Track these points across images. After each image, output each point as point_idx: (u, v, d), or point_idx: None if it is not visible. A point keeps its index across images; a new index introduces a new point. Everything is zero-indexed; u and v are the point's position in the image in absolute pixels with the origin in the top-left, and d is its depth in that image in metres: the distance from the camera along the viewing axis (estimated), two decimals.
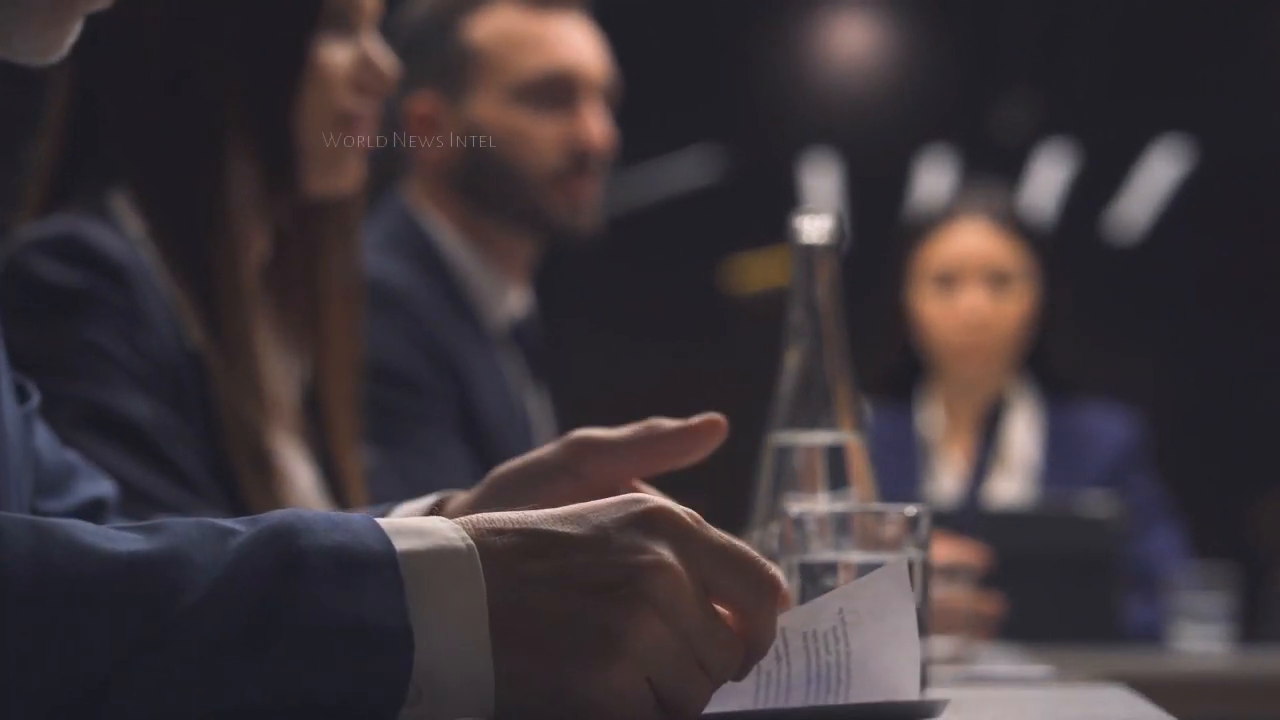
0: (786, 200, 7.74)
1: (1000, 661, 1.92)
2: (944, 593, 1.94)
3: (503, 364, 2.44)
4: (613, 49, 2.51)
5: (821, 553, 1.17)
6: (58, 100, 1.67)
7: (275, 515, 0.80)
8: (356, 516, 0.81)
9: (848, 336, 1.36)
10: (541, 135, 2.43)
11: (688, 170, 8.03)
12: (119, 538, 0.77)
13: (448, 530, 0.80)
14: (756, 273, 8.26)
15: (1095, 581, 2.80)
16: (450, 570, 0.79)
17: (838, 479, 1.34)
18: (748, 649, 0.83)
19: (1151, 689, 1.39)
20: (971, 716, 1.01)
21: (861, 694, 0.87)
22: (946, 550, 2.04)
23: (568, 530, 0.81)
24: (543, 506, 0.84)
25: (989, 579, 2.11)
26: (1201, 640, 2.82)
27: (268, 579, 0.76)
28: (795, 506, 1.20)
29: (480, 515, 0.82)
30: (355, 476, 1.74)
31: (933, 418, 3.26)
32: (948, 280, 3.21)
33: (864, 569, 1.16)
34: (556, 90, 2.44)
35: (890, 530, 1.18)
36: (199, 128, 1.63)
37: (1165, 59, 7.50)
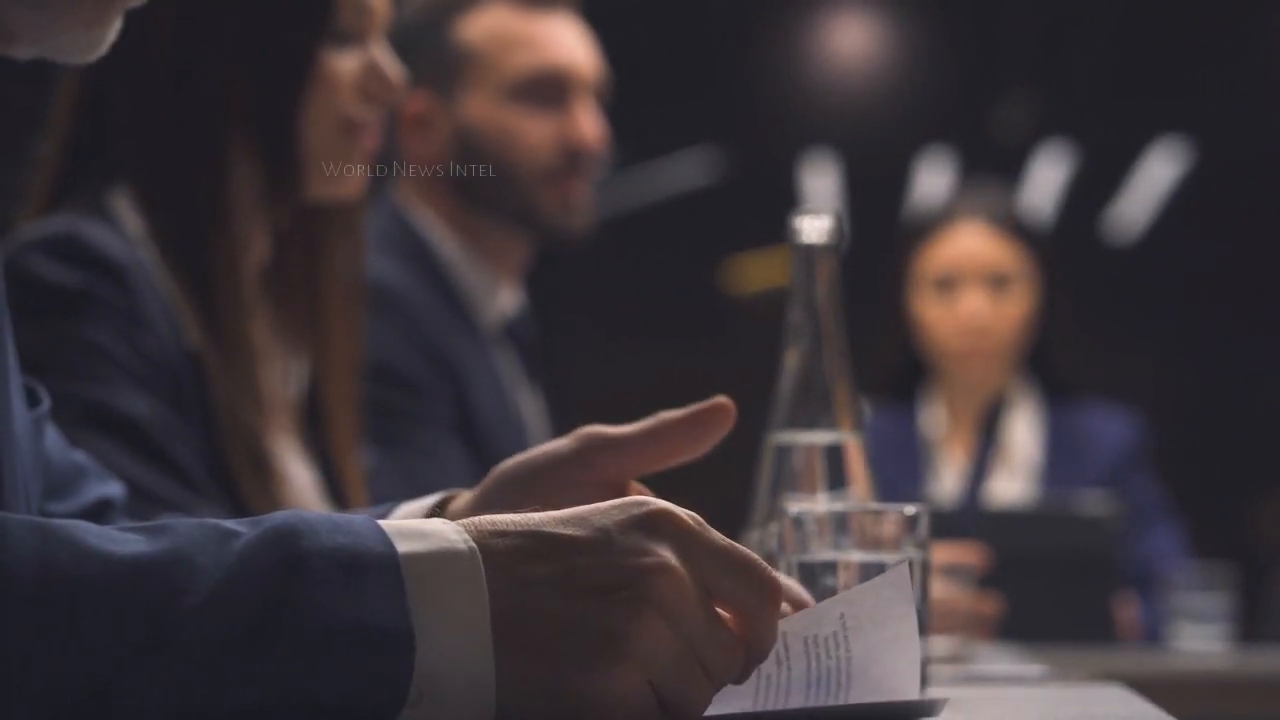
0: (786, 200, 7.74)
1: (999, 661, 1.92)
2: (943, 592, 1.94)
3: (496, 363, 2.44)
4: (613, 49, 2.51)
5: (821, 552, 1.17)
6: (66, 97, 1.67)
7: (277, 517, 0.80)
8: (358, 518, 0.81)
9: (847, 336, 1.36)
10: (534, 134, 2.43)
11: (687, 170, 8.02)
12: (122, 539, 0.77)
13: (449, 532, 0.80)
14: (756, 273, 8.25)
15: (1094, 581, 2.80)
16: (452, 572, 0.79)
17: (837, 479, 1.34)
18: (749, 652, 0.83)
19: (1150, 689, 1.39)
20: (970, 716, 1.01)
21: (861, 697, 0.87)
22: (946, 551, 2.04)
23: (570, 532, 0.81)
24: (549, 500, 0.84)
25: (988, 579, 2.11)
26: (1201, 640, 2.82)
27: (270, 581, 0.77)
28: (795, 506, 1.20)
29: (482, 517, 0.82)
30: (356, 477, 1.74)
31: (934, 417, 3.26)
32: (947, 283, 3.21)
33: (863, 568, 1.16)
34: (548, 89, 2.44)
35: (889, 530, 1.18)
36: (204, 128, 1.63)
37: (1164, 59, 7.50)
